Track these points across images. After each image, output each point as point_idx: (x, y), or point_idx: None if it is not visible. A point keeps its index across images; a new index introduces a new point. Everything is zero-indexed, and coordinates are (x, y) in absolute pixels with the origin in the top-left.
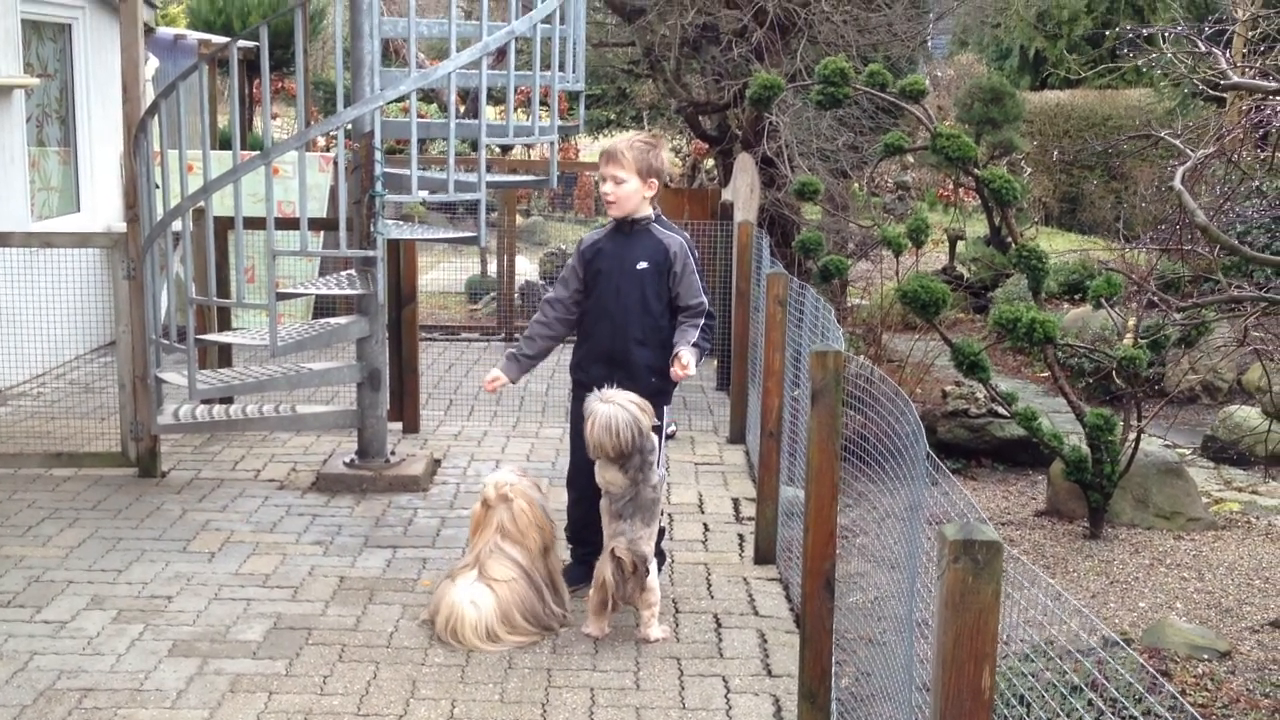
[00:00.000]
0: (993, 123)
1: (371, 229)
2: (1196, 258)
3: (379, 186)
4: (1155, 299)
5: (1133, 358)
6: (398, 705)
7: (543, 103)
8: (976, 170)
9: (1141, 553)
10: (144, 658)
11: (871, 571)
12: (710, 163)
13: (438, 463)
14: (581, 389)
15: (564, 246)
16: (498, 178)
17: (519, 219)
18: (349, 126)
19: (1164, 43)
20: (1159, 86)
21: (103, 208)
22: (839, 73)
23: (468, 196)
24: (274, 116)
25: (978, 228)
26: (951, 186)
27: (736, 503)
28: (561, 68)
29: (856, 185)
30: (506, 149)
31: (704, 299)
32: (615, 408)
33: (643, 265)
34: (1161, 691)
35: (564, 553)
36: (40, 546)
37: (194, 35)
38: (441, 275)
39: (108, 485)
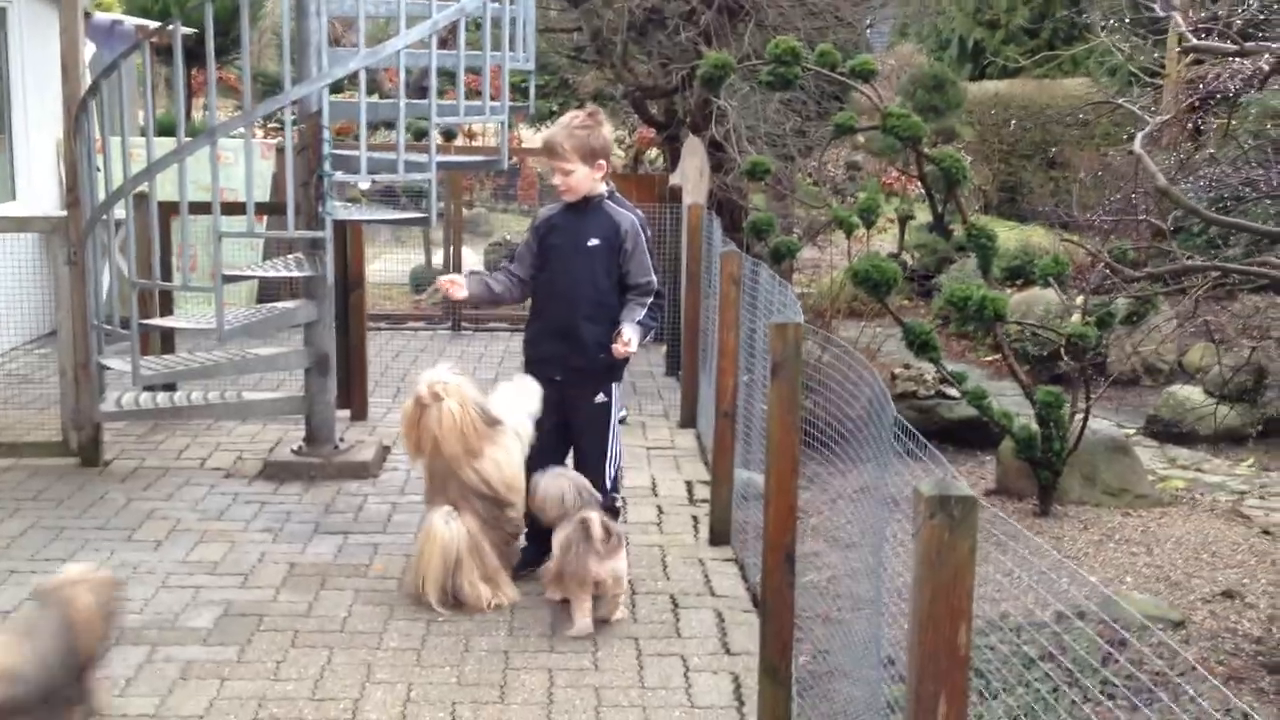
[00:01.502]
0: (935, 110)
1: (319, 210)
2: (1149, 229)
3: (327, 167)
4: (1108, 269)
5: (1081, 334)
6: (353, 689)
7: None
8: (925, 150)
9: (1091, 529)
10: None
11: (826, 551)
12: (654, 153)
13: (387, 449)
14: (532, 366)
15: (509, 236)
16: (448, 158)
17: (464, 210)
18: (294, 108)
19: (1102, 32)
20: (1097, 75)
21: (40, 197)
22: (790, 52)
23: (418, 177)
24: (206, 109)
25: (921, 215)
26: (895, 174)
27: (690, 485)
28: (511, 48)
29: (801, 174)
30: (450, 137)
31: (653, 278)
32: (562, 480)
33: (594, 242)
34: (1117, 662)
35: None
36: None
37: (131, 21)
38: (385, 266)
39: (49, 475)
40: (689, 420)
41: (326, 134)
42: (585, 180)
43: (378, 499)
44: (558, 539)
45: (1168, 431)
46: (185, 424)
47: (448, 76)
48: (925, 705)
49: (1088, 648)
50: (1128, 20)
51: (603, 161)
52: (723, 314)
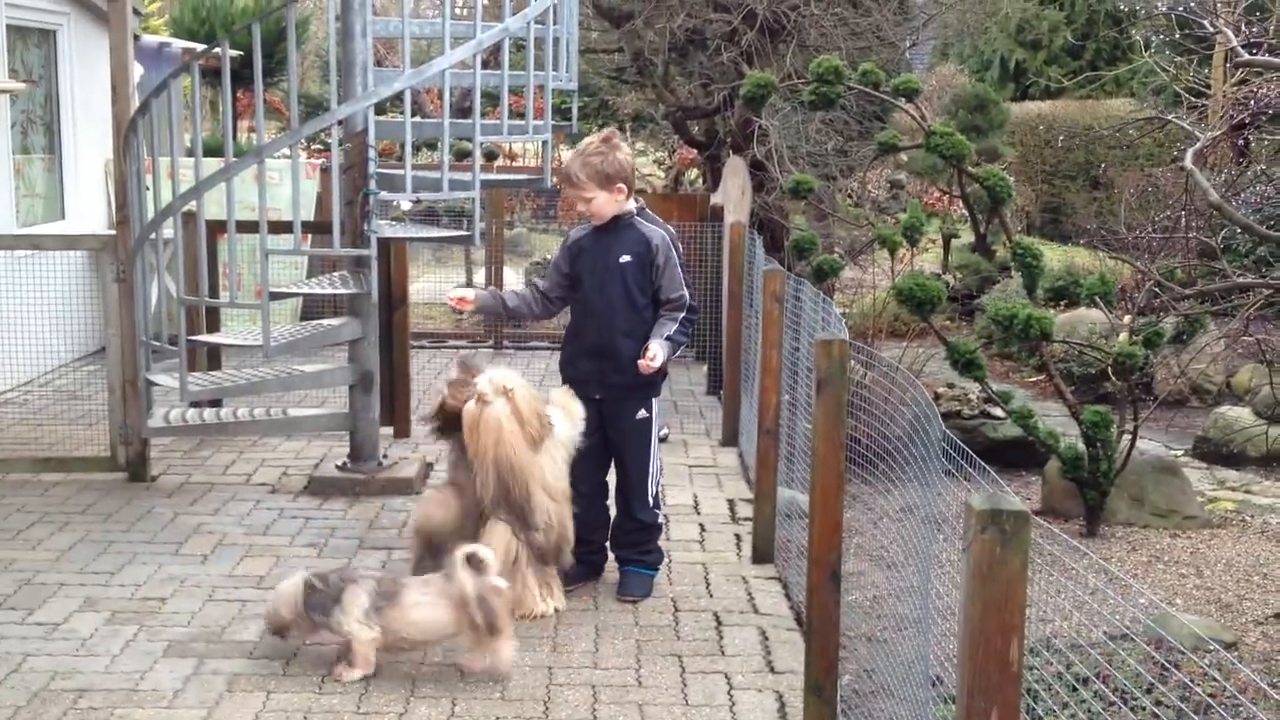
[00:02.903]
0: (978, 130)
1: (365, 228)
2: (1196, 247)
3: (372, 185)
4: (1157, 288)
5: (1129, 353)
6: (397, 704)
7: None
8: (970, 169)
9: (1139, 550)
10: (139, 658)
11: (869, 570)
12: (694, 173)
13: (430, 466)
14: (571, 385)
15: (549, 256)
16: (492, 176)
17: (504, 231)
18: (340, 128)
19: (1146, 52)
20: (1141, 95)
21: (88, 215)
22: (833, 71)
23: (462, 195)
24: (251, 131)
25: (964, 236)
26: (937, 195)
27: (732, 504)
28: (554, 67)
29: (842, 195)
30: (492, 158)
31: (685, 292)
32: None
33: (625, 259)
34: (1170, 680)
35: None
36: (30, 550)
37: (179, 43)
38: (426, 286)
39: (97, 490)
40: (730, 439)
41: (372, 152)
42: (607, 205)
43: None
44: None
45: (1216, 453)
46: (231, 440)
47: (489, 98)
48: None
49: (1139, 667)
50: (1174, 38)
51: (621, 185)
52: (765, 332)
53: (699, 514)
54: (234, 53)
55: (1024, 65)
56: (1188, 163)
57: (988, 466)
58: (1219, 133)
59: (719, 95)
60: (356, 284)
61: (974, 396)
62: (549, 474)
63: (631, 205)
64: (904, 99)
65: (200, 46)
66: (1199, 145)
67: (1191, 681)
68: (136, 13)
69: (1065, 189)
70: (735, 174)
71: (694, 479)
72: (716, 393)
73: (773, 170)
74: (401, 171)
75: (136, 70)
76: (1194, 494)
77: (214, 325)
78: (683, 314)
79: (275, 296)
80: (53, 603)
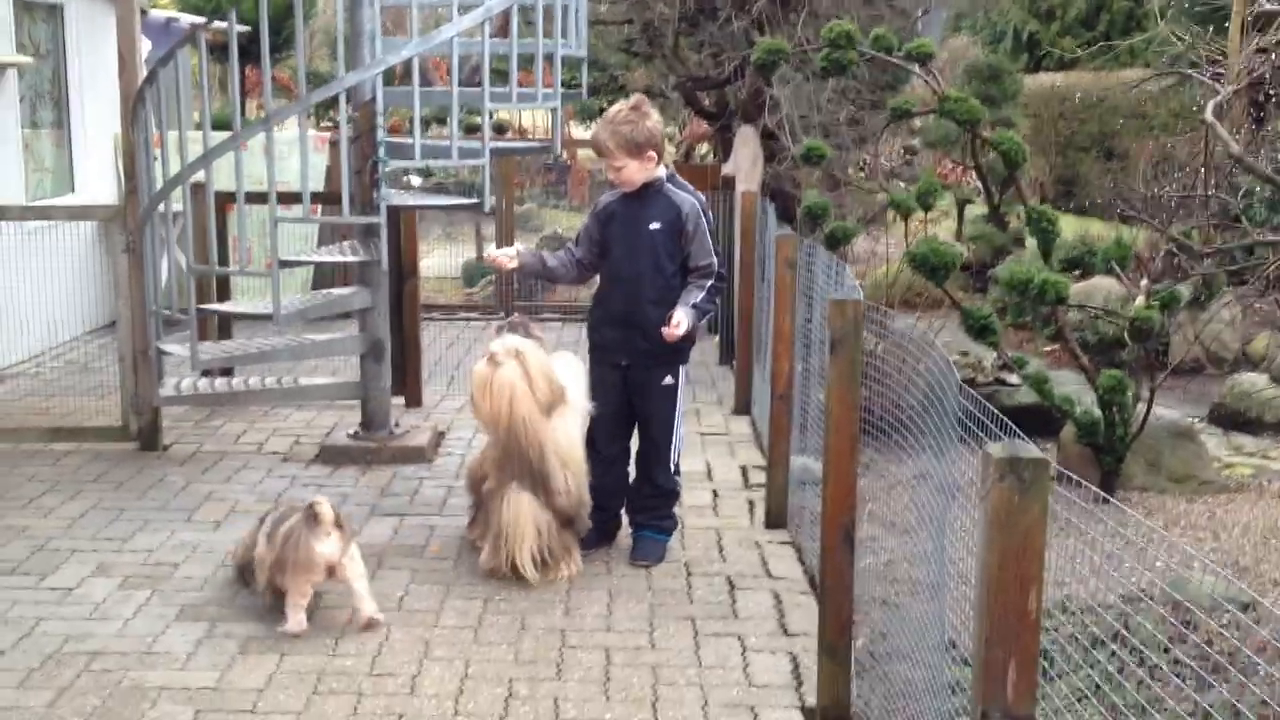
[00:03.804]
0: (991, 101)
1: (374, 196)
2: (1214, 213)
3: (381, 152)
4: (1175, 249)
5: (1146, 317)
6: (410, 665)
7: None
8: (984, 134)
9: (1155, 515)
10: (152, 622)
11: (883, 536)
12: (705, 148)
13: (441, 435)
14: (598, 352)
15: (559, 229)
16: (501, 144)
17: (514, 207)
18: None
19: (1161, 21)
20: (1155, 64)
21: (98, 189)
22: (845, 36)
23: (471, 161)
24: (260, 109)
25: (976, 209)
26: (951, 166)
27: (745, 470)
28: (563, 35)
29: (854, 169)
30: (501, 131)
31: (714, 260)
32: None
33: (655, 225)
34: (1186, 642)
35: None
36: (43, 517)
37: (186, 18)
38: (437, 262)
39: (109, 459)
40: (743, 407)
41: (380, 120)
42: (637, 173)
43: (433, 483)
44: (278, 531)
45: (1233, 419)
46: (242, 410)
47: (499, 74)
48: (994, 672)
49: (1156, 628)
50: (1188, 6)
51: (652, 153)
52: (778, 298)
53: (712, 480)
54: (241, 28)
55: (1037, 37)
56: (1208, 115)
57: (1008, 421)
58: (1238, 86)
59: (730, 65)
60: (366, 252)
61: (988, 364)
62: (562, 440)
63: (661, 172)
64: (917, 64)
65: (216, 23)
66: (1219, 98)
67: (1208, 641)
68: None
69: (1079, 160)
70: (746, 144)
71: (706, 447)
72: (729, 362)
73: (784, 140)
74: (411, 141)
75: (145, 45)
76: (1210, 459)
77: (225, 298)
78: (710, 282)
79: (285, 264)
80: (65, 568)
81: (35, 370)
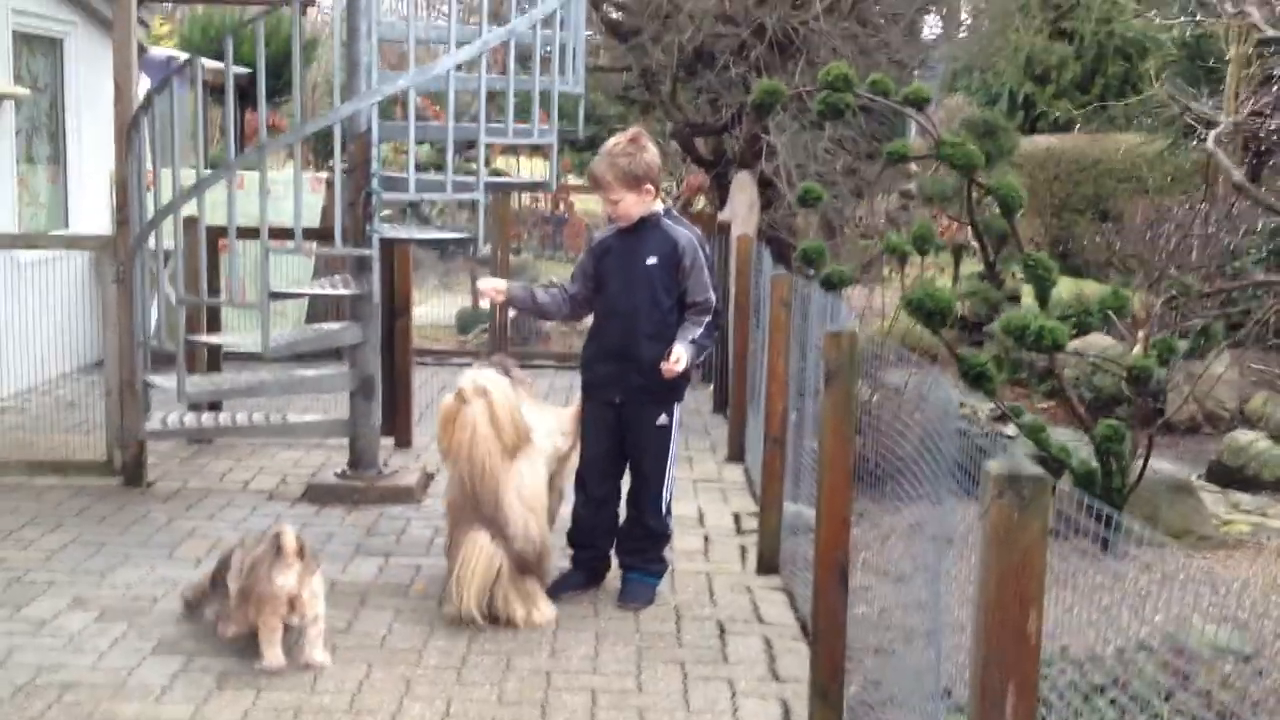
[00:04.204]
0: (987, 156)
1: (366, 228)
2: (1208, 271)
3: (375, 184)
4: (1172, 297)
5: (1143, 365)
6: (391, 703)
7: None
8: (981, 180)
9: (1153, 569)
10: (127, 655)
11: (877, 584)
12: (702, 201)
13: (431, 476)
14: (591, 389)
15: (555, 279)
16: (496, 180)
17: (510, 258)
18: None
19: (1155, 84)
20: (1152, 121)
21: (91, 226)
22: (842, 77)
23: (466, 195)
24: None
25: (970, 266)
26: (947, 222)
27: (737, 517)
28: (561, 72)
29: (850, 225)
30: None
31: (711, 295)
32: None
33: (652, 260)
34: (1189, 689)
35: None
36: (21, 550)
37: (185, 56)
38: (431, 310)
39: (92, 494)
40: (736, 455)
41: (375, 152)
42: (634, 206)
43: (421, 523)
44: (242, 562)
45: (1230, 477)
46: (228, 448)
47: (497, 108)
48: (992, 698)
49: (1156, 673)
50: (1184, 69)
51: (649, 186)
52: (773, 338)
53: (703, 526)
54: (240, 70)
55: (1033, 99)
56: (1210, 143)
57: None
58: (1240, 117)
59: (727, 113)
60: (358, 286)
61: (983, 415)
62: (526, 482)
63: (659, 206)
64: (914, 109)
65: (210, 62)
66: (1220, 129)
67: (1210, 690)
68: (143, 24)
69: (1074, 222)
70: (743, 189)
71: (699, 493)
72: (723, 410)
73: (781, 187)
74: (405, 175)
75: (144, 81)
76: (1208, 514)
77: (214, 349)
78: (708, 318)
79: (276, 296)
80: (41, 600)
81: (22, 406)
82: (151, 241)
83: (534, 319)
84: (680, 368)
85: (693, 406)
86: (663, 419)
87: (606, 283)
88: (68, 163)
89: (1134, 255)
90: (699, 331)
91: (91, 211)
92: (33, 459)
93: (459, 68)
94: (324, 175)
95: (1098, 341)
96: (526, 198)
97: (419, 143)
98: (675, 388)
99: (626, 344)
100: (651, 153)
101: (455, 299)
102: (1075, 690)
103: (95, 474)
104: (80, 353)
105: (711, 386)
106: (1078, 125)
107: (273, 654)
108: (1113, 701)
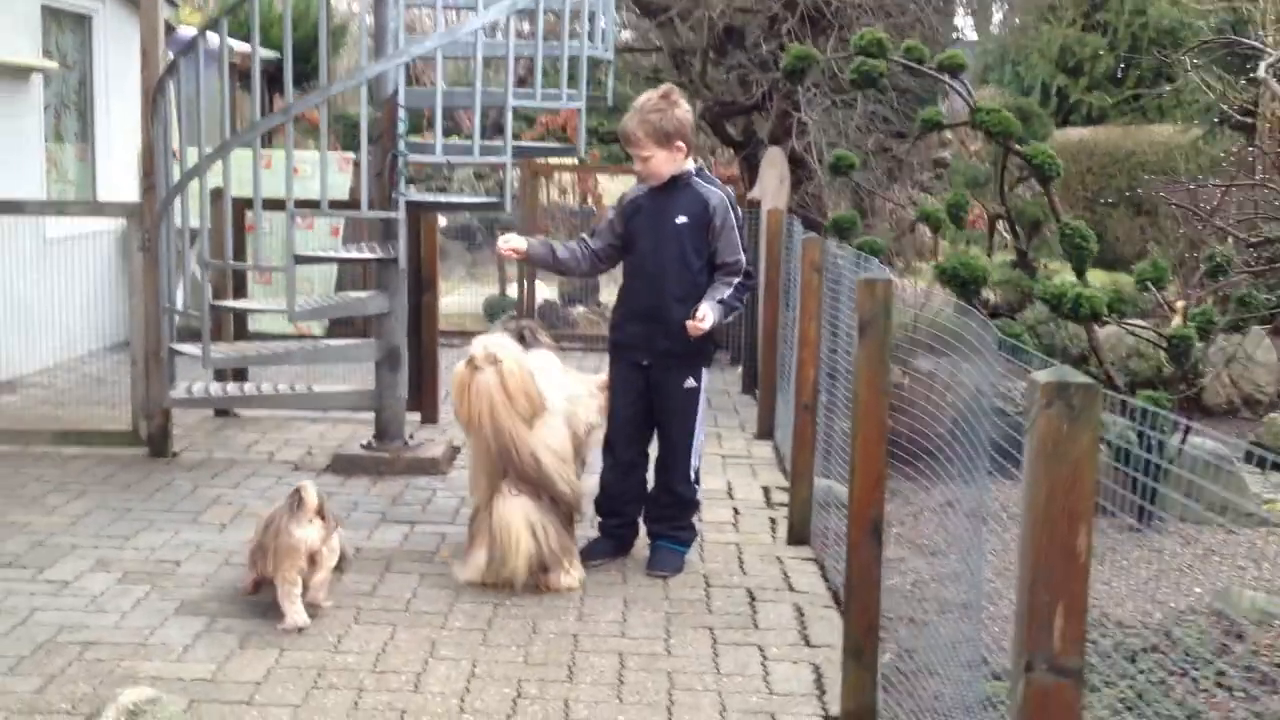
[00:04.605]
0: (1020, 142)
1: (393, 192)
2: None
3: (401, 146)
4: (1211, 263)
5: (1184, 335)
6: (416, 664)
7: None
8: (1018, 147)
9: (1193, 544)
10: (149, 615)
11: (910, 557)
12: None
13: (457, 449)
14: (619, 350)
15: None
16: (524, 144)
17: None
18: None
19: (1190, 69)
20: (1186, 110)
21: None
22: (876, 43)
23: (493, 159)
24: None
25: (1001, 256)
26: (978, 212)
27: (767, 490)
28: (590, 38)
29: (879, 216)
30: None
31: (742, 257)
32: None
33: (682, 220)
34: (1233, 654)
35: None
36: (45, 515)
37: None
38: (459, 299)
39: (117, 463)
40: (766, 432)
41: (402, 113)
42: (665, 164)
43: (446, 493)
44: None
45: (1270, 459)
46: (254, 422)
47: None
48: (1039, 618)
49: (1199, 639)
50: (1219, 56)
51: (680, 143)
52: (804, 303)
53: (732, 498)
54: (267, 53)
55: (1065, 91)
56: (1262, 72)
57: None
58: None
59: (758, 90)
60: (385, 252)
61: (1017, 395)
62: (553, 436)
63: (690, 165)
64: (949, 75)
65: (238, 43)
66: (1272, 59)
67: (1256, 652)
68: (171, 3)
69: (1107, 215)
70: (773, 164)
71: (728, 468)
72: (751, 391)
73: (811, 163)
74: (432, 142)
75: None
76: (1250, 492)
77: (241, 321)
78: (738, 279)
79: (301, 260)
80: (64, 563)
81: (49, 382)
82: (178, 216)
83: (561, 306)
84: (706, 325)
85: (721, 387)
86: (690, 382)
87: (635, 242)
88: (96, 140)
89: (1173, 214)
90: (728, 292)
91: (120, 188)
92: (58, 429)
93: (488, 33)
94: (351, 155)
95: (1128, 337)
96: (555, 191)
97: (446, 110)
98: (703, 351)
99: (655, 305)
100: (683, 109)
101: (483, 289)
102: (1119, 651)
103: (121, 444)
104: (107, 331)
105: (740, 368)
106: (1110, 118)
107: (295, 611)
108: (1156, 664)
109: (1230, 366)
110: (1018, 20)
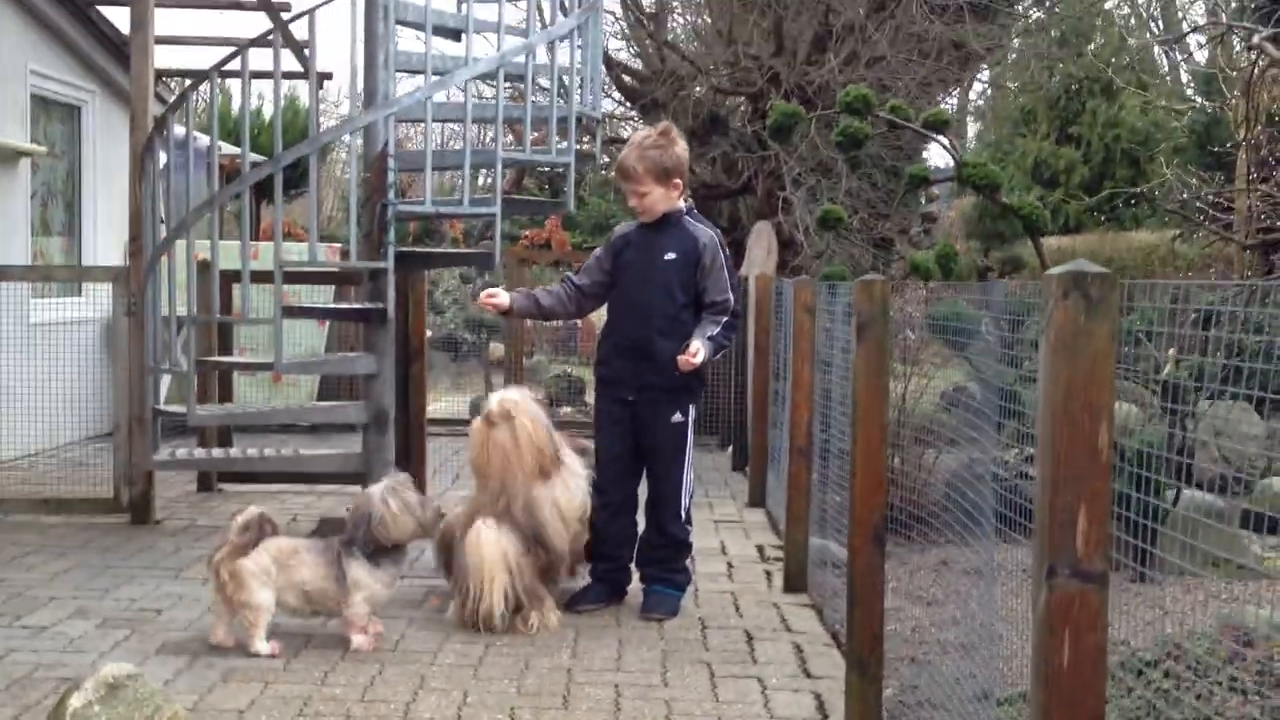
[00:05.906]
0: (1001, 238)
1: (382, 241)
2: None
3: (391, 195)
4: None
5: (1175, 375)
6: (405, 694)
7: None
8: (1004, 199)
9: (1193, 592)
10: (129, 655)
11: (907, 607)
12: None
13: (442, 515)
14: (604, 386)
15: (569, 370)
16: (514, 197)
17: (523, 360)
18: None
19: (1166, 169)
20: (1161, 217)
21: (104, 299)
22: (862, 99)
23: (482, 211)
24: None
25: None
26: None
27: (761, 548)
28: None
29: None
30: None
31: (730, 296)
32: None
33: (671, 256)
34: (1244, 661)
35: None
36: (24, 571)
37: (204, 139)
38: (446, 405)
39: (98, 529)
40: (758, 500)
41: (391, 162)
42: (660, 201)
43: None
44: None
45: (1267, 522)
46: (239, 496)
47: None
48: (1061, 520)
49: (1209, 649)
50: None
51: (678, 180)
52: (797, 345)
53: (726, 554)
54: (256, 158)
55: (1043, 201)
56: (1256, 39)
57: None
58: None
59: (745, 173)
60: (373, 298)
61: (1010, 459)
62: (561, 498)
63: (682, 204)
64: (934, 132)
65: (230, 147)
66: (1265, 32)
67: (1271, 657)
68: (160, 99)
69: None
70: (761, 236)
71: (720, 531)
72: (742, 469)
73: (799, 238)
74: (423, 200)
75: (162, 158)
76: (1248, 544)
77: (227, 390)
78: (726, 318)
79: (289, 314)
80: (43, 611)
81: (29, 464)
82: (164, 305)
83: (546, 408)
84: (698, 360)
85: (711, 464)
86: (678, 416)
87: (623, 276)
88: (82, 233)
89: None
90: (717, 330)
91: (105, 291)
92: (37, 497)
93: (477, 93)
94: (339, 245)
95: (1119, 408)
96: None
97: (436, 169)
98: (689, 387)
99: (640, 340)
100: (681, 146)
101: (467, 397)
102: (1125, 669)
103: (102, 510)
104: (92, 422)
105: (730, 449)
106: (1086, 227)
107: (258, 642)
108: (1166, 674)
109: (1216, 440)
110: (993, 136)
